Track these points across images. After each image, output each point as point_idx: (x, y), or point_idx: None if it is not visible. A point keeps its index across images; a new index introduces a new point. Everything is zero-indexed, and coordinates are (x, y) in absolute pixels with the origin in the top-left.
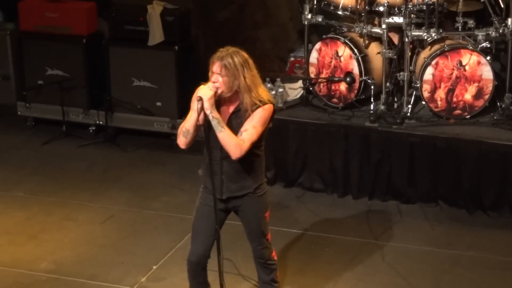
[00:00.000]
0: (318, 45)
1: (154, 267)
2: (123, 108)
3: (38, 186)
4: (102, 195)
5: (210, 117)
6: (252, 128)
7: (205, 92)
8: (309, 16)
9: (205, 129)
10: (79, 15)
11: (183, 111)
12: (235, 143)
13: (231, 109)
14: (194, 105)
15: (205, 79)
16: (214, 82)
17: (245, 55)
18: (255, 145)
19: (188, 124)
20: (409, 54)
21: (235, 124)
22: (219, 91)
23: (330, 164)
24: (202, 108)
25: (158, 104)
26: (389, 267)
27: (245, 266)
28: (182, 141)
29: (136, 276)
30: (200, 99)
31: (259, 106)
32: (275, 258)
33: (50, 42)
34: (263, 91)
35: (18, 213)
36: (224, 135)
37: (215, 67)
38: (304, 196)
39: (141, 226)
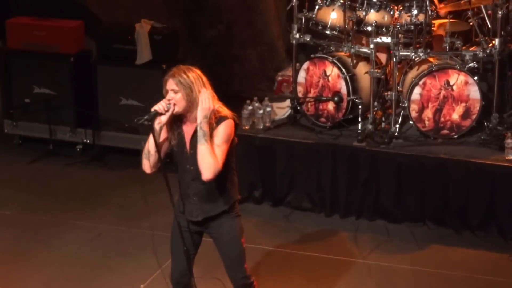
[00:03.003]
0: (306, 65)
1: (142, 286)
2: (110, 126)
3: (25, 204)
4: (90, 214)
5: (198, 128)
6: (216, 148)
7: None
8: (297, 35)
9: (172, 147)
10: (66, 34)
11: None
12: (213, 162)
13: (193, 128)
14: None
15: None
16: (169, 100)
17: (198, 71)
18: (225, 164)
19: (148, 145)
20: (397, 73)
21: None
22: (176, 109)
23: (318, 183)
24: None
25: (146, 122)
26: (377, 286)
27: None
28: (145, 164)
29: None
30: (156, 113)
31: (219, 123)
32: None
33: (38, 60)
34: (220, 107)
35: (5, 232)
36: (205, 148)
37: (169, 84)
38: (292, 215)
39: (128, 244)
